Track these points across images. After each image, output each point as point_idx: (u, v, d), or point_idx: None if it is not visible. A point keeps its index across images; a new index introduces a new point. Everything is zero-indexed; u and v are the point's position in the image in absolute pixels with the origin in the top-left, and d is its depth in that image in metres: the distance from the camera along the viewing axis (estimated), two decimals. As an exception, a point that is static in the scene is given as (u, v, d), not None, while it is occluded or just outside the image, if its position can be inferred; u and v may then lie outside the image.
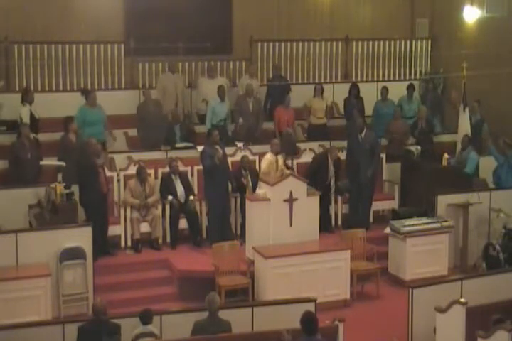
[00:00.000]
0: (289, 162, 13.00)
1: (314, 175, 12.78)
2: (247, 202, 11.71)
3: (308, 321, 8.05)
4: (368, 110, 15.54)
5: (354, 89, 15.58)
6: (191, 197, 12.53)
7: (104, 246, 11.82)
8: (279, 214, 11.36)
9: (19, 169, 12.35)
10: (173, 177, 12.54)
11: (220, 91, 14.36)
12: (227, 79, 15.49)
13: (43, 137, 13.46)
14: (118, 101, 14.65)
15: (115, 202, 12.49)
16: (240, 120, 14.31)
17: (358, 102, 15.38)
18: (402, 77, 17.35)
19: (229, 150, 13.08)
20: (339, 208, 13.35)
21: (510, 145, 13.46)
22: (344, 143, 13.64)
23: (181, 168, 12.82)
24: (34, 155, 12.50)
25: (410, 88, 15.74)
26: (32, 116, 13.31)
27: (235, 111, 14.66)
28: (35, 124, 13.31)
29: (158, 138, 13.96)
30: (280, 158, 12.42)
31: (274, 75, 15.79)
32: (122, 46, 15.44)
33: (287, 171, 12.37)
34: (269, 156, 12.45)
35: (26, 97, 13.44)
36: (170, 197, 12.39)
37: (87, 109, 13.54)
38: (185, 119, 14.72)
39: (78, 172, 11.88)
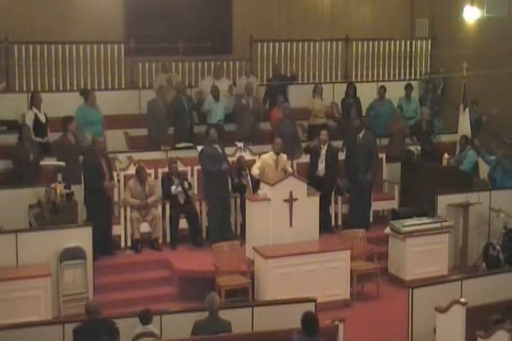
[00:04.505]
0: (288, 162, 12.97)
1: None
2: (247, 202, 11.71)
3: (309, 322, 8.05)
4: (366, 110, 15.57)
5: (351, 89, 15.59)
6: (190, 193, 12.53)
7: (106, 246, 11.83)
8: (279, 214, 11.36)
9: (21, 171, 12.35)
10: (173, 178, 12.53)
11: (214, 91, 14.39)
12: (228, 79, 15.52)
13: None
14: (118, 101, 14.66)
15: (115, 202, 12.49)
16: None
17: (355, 102, 15.39)
18: (402, 77, 17.36)
19: (229, 150, 13.08)
20: (339, 208, 13.35)
21: (507, 143, 13.53)
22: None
23: (181, 168, 12.83)
24: (37, 157, 12.48)
25: (408, 88, 15.75)
26: (37, 120, 13.29)
27: (237, 110, 14.71)
28: (42, 128, 13.30)
29: (165, 136, 14.07)
30: (282, 158, 12.40)
31: (274, 74, 15.80)
32: (122, 46, 15.45)
33: (290, 169, 12.36)
34: (266, 156, 12.43)
35: (33, 101, 13.43)
36: (173, 188, 12.35)
37: (87, 109, 13.53)
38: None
39: (83, 171, 11.93)
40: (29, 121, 13.26)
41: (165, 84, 14.67)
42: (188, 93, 14.83)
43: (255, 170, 12.21)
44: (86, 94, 13.72)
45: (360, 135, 13.09)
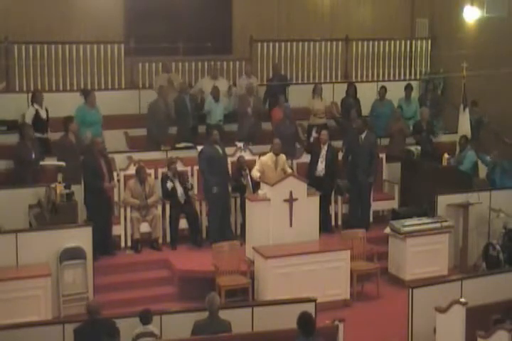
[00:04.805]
0: (288, 162, 12.97)
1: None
2: (247, 202, 11.71)
3: (305, 322, 8.03)
4: (366, 110, 15.55)
5: (351, 89, 15.58)
6: (190, 193, 12.56)
7: (106, 246, 11.83)
8: (279, 214, 11.36)
9: (22, 170, 12.35)
10: (172, 178, 12.52)
11: (215, 91, 14.39)
12: (226, 80, 15.52)
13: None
14: (118, 101, 14.65)
15: (115, 202, 12.49)
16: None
17: (355, 102, 15.38)
18: (402, 77, 17.35)
19: (229, 150, 13.08)
20: (339, 208, 13.35)
21: (507, 143, 13.58)
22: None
23: (181, 168, 12.83)
24: (38, 156, 12.48)
25: (408, 88, 15.73)
26: (38, 116, 13.29)
27: (238, 110, 14.72)
28: (43, 125, 13.29)
29: (165, 136, 14.09)
30: (281, 158, 12.41)
31: (273, 74, 15.80)
32: (122, 46, 15.44)
33: (289, 170, 12.35)
34: (265, 158, 12.42)
35: (35, 98, 13.44)
36: (168, 183, 12.35)
37: (86, 109, 13.54)
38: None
39: (83, 172, 11.94)
40: (29, 116, 13.28)
41: (166, 84, 14.66)
42: (190, 92, 14.81)
43: (256, 173, 12.18)
44: (86, 94, 13.72)
45: (363, 136, 13.10)
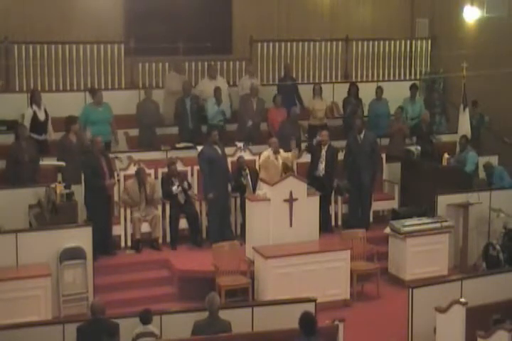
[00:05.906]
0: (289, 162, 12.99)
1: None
2: (247, 202, 11.71)
3: (307, 322, 8.05)
4: (367, 110, 15.55)
5: (353, 89, 15.55)
6: (190, 193, 12.55)
7: (106, 246, 11.83)
8: (279, 214, 11.36)
9: (16, 170, 12.33)
10: (172, 179, 12.51)
11: (217, 93, 14.38)
12: (226, 79, 15.51)
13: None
14: (118, 101, 14.63)
15: (115, 201, 12.49)
16: (250, 122, 14.27)
17: (357, 102, 15.37)
18: (402, 77, 17.35)
19: (229, 150, 13.08)
20: (339, 208, 13.35)
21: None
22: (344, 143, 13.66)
23: (181, 168, 12.83)
24: (32, 157, 12.44)
25: (413, 88, 15.69)
26: (35, 118, 13.28)
27: (239, 111, 14.71)
28: (41, 126, 13.29)
29: (153, 138, 14.11)
30: (281, 155, 12.43)
31: (285, 75, 15.75)
32: (122, 46, 15.44)
33: (292, 155, 12.32)
34: (266, 152, 12.48)
35: (33, 99, 13.44)
36: (174, 188, 12.35)
37: (92, 108, 13.59)
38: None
39: (83, 171, 11.94)
40: (27, 117, 13.28)
41: (178, 84, 14.62)
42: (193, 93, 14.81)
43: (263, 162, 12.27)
44: (93, 93, 13.79)
45: (361, 135, 13.12)
